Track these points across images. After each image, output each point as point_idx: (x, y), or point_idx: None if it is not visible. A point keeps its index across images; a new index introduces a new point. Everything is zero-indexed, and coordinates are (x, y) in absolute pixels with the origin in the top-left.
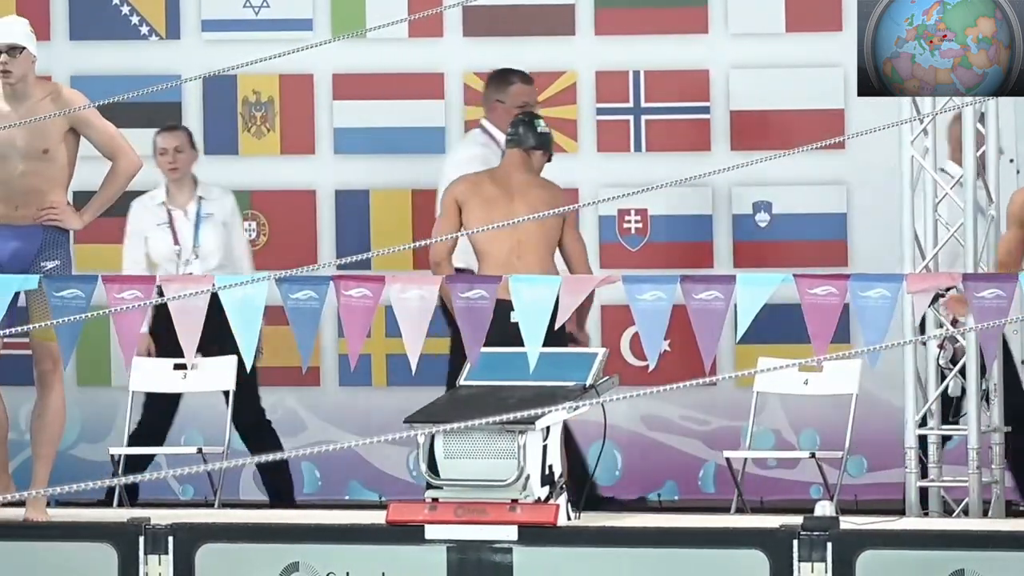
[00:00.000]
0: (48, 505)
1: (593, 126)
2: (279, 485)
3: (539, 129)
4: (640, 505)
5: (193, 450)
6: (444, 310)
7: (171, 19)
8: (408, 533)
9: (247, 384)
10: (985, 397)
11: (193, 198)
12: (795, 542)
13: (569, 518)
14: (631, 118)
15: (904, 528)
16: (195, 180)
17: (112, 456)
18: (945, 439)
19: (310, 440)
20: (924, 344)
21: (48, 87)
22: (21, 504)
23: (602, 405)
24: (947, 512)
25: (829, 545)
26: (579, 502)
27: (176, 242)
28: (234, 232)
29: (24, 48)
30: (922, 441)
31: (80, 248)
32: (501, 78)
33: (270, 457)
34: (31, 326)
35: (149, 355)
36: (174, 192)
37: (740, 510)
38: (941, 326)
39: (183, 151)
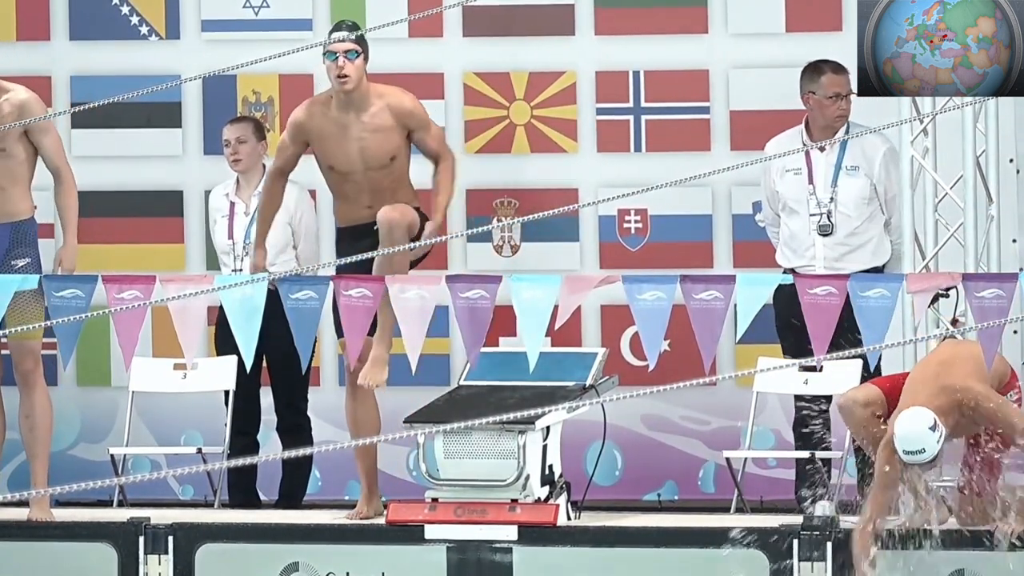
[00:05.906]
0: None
1: (593, 126)
2: (294, 487)
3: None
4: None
5: (193, 450)
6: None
7: (171, 19)
8: (408, 533)
9: (299, 384)
10: None
11: (255, 193)
12: (795, 542)
13: (569, 518)
14: (631, 118)
15: (903, 528)
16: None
17: (112, 456)
18: None
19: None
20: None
21: (5, 88)
22: (24, 504)
23: (602, 405)
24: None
25: (829, 545)
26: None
27: (230, 236)
28: (299, 230)
29: None
30: None
31: (80, 248)
32: (814, 69)
33: (268, 457)
34: (31, 326)
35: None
36: (243, 184)
37: (740, 510)
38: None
39: (246, 142)
